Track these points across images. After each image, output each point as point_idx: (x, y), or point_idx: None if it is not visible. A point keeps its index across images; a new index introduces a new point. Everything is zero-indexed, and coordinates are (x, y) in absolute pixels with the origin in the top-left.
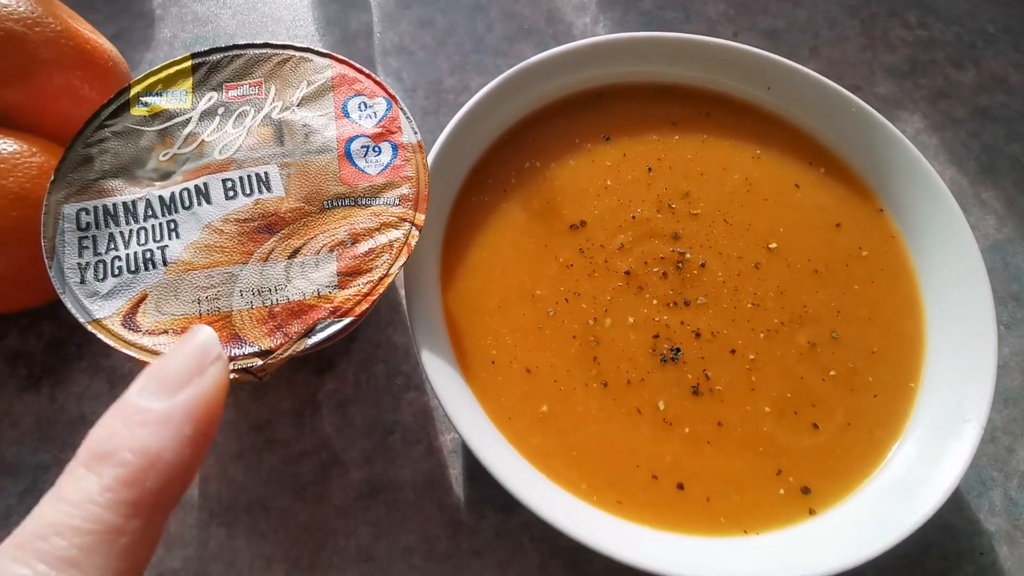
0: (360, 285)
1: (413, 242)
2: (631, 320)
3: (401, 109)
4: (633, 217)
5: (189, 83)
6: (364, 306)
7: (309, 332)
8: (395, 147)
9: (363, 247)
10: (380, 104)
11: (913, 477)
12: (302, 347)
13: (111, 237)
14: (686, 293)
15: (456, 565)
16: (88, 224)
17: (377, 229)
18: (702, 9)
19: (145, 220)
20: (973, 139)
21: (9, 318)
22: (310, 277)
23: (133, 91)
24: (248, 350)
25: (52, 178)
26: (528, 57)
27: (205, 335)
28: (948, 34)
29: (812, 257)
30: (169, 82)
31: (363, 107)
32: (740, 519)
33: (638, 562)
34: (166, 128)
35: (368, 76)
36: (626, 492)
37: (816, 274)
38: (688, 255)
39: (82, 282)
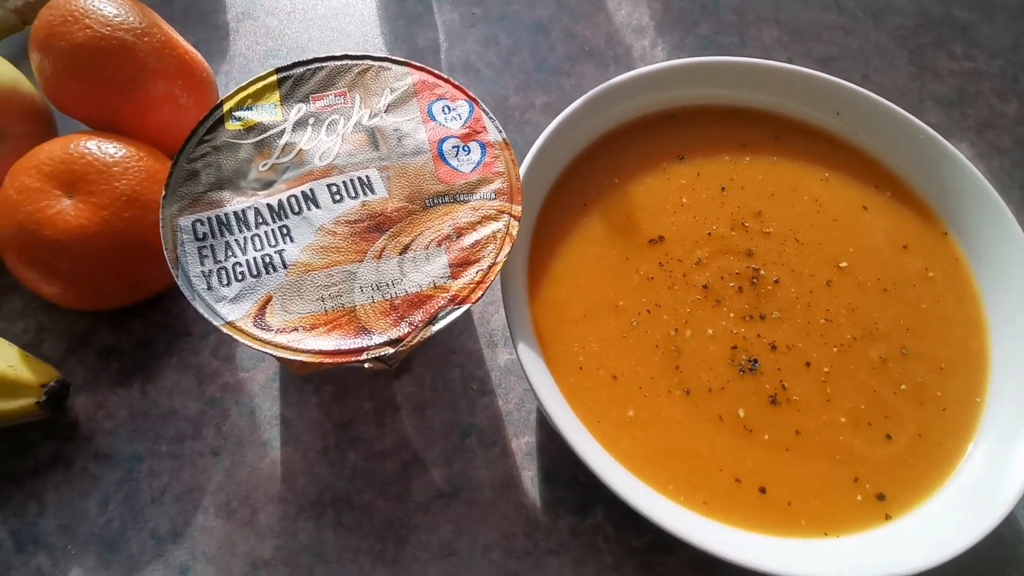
0: (472, 274)
1: (514, 232)
2: (710, 332)
3: (483, 110)
4: (709, 234)
5: (277, 96)
6: (479, 293)
7: (433, 320)
8: (483, 146)
9: (468, 239)
10: (463, 107)
11: (982, 485)
12: (428, 334)
13: (227, 245)
14: (761, 307)
15: (534, 563)
16: (204, 234)
17: (479, 222)
18: (757, 35)
19: (257, 227)
20: (1017, 168)
21: (101, 316)
22: (424, 270)
23: (226, 107)
24: (378, 340)
25: (163, 193)
26: (590, 77)
27: None
28: (993, 67)
29: (881, 276)
30: (258, 96)
31: (447, 110)
32: (820, 522)
33: (732, 557)
34: (262, 140)
35: (447, 81)
36: (711, 494)
37: (885, 293)
38: (762, 271)
39: (209, 288)
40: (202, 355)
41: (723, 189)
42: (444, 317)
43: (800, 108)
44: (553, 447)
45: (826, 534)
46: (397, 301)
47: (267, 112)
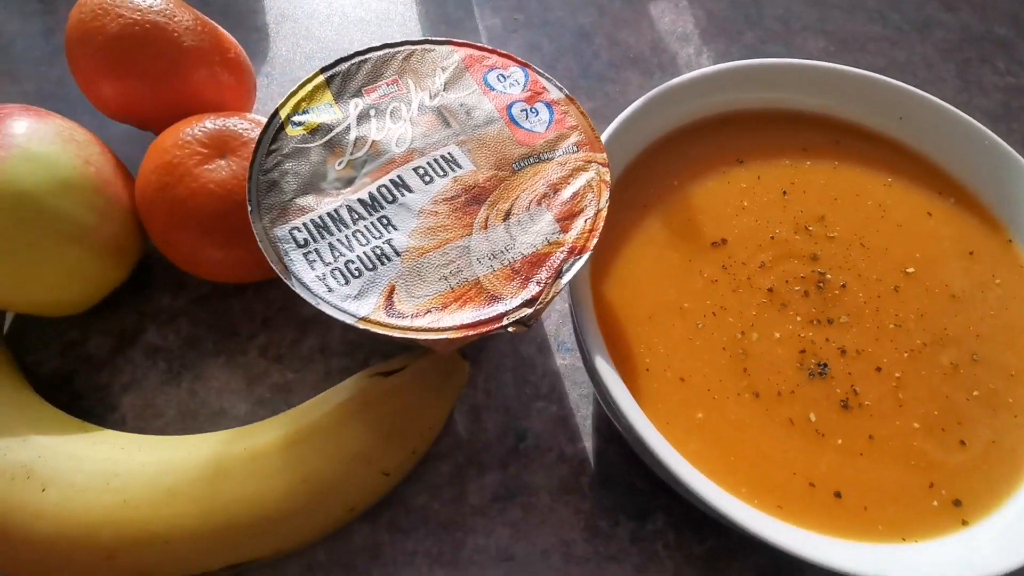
0: (581, 224)
1: (606, 178)
2: (777, 335)
3: (538, 72)
4: (772, 237)
5: (329, 95)
6: (594, 240)
7: (560, 274)
8: (548, 105)
9: (566, 193)
10: (517, 72)
11: None
12: (559, 288)
13: (331, 246)
14: (828, 312)
15: (594, 569)
16: (305, 240)
17: (570, 175)
18: (803, 45)
19: (355, 223)
20: None
21: (146, 314)
22: (532, 230)
23: (282, 114)
24: (512, 304)
25: (249, 208)
26: (635, 84)
27: None
28: None
29: (949, 283)
30: (311, 98)
31: (502, 78)
32: (898, 528)
33: (818, 559)
34: (330, 140)
35: (493, 51)
36: (785, 498)
37: (953, 299)
38: (828, 276)
39: (329, 291)
40: (250, 355)
41: (784, 193)
42: (569, 269)
43: (861, 112)
44: (610, 452)
45: (904, 539)
46: (517, 264)
47: (325, 112)
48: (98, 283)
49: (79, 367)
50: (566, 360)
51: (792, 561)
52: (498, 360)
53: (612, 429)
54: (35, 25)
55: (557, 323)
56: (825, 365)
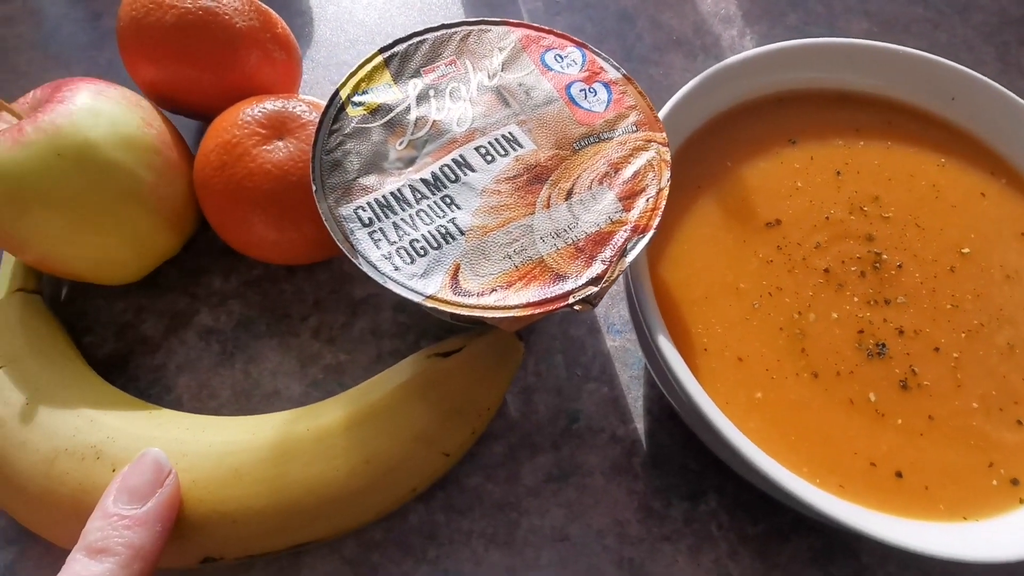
0: (643, 203)
1: (667, 156)
2: (834, 315)
3: (595, 52)
4: (827, 218)
5: (388, 76)
6: (656, 219)
7: (624, 253)
8: (606, 85)
9: (627, 172)
10: (574, 53)
11: None
12: (623, 267)
13: (396, 226)
14: (885, 292)
15: (649, 549)
16: (370, 219)
17: (630, 155)
18: (846, 27)
19: (418, 202)
20: None
21: (198, 297)
22: (595, 209)
23: (342, 94)
24: (578, 283)
25: (314, 188)
26: (679, 67)
27: (155, 454)
28: None
29: (1003, 263)
30: (370, 79)
31: (559, 58)
32: (959, 507)
33: (884, 537)
34: (390, 120)
35: (549, 31)
36: (847, 477)
37: (1008, 279)
38: (884, 256)
39: (396, 269)
40: (303, 337)
41: (838, 173)
42: (633, 248)
43: (913, 92)
44: (662, 433)
45: (965, 518)
46: (580, 243)
47: (384, 93)
48: (152, 247)
49: (135, 348)
50: (616, 342)
51: (846, 541)
52: (548, 342)
53: (663, 410)
54: (81, 9)
55: (607, 304)
56: (883, 345)
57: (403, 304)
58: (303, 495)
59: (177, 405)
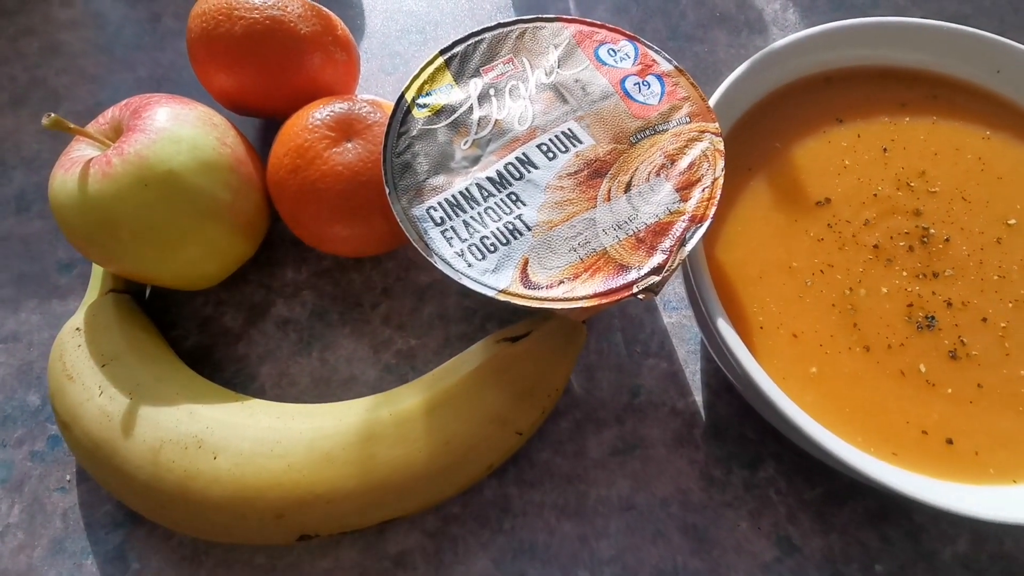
0: (699, 193)
1: (720, 146)
2: (884, 290)
3: (647, 45)
4: (875, 195)
5: (449, 77)
6: (712, 209)
7: (683, 242)
8: (659, 77)
9: (683, 163)
10: (626, 46)
11: None
12: (684, 255)
13: (466, 224)
14: (933, 265)
15: (712, 516)
16: (442, 219)
17: (685, 146)
18: None
19: (486, 200)
20: None
21: (273, 289)
22: (653, 200)
23: (408, 97)
24: (642, 272)
25: (387, 190)
26: (723, 43)
27: None
28: None
29: None
30: (432, 81)
31: (612, 53)
32: (1008, 471)
33: (935, 502)
34: (454, 120)
35: (601, 26)
36: (900, 446)
37: None
38: (932, 230)
39: (469, 266)
40: (374, 324)
41: (885, 150)
42: (692, 237)
43: (958, 66)
44: (720, 405)
45: (1015, 481)
46: (641, 234)
47: (446, 94)
48: (231, 257)
49: (217, 340)
50: (672, 318)
51: (899, 503)
52: (608, 321)
53: (721, 383)
54: (141, 11)
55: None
56: (932, 317)
57: (468, 290)
58: (389, 475)
59: (260, 393)
